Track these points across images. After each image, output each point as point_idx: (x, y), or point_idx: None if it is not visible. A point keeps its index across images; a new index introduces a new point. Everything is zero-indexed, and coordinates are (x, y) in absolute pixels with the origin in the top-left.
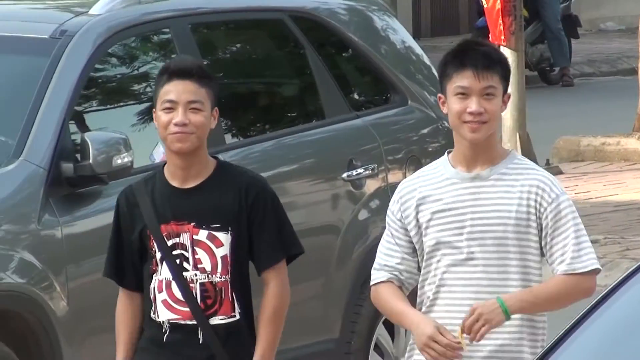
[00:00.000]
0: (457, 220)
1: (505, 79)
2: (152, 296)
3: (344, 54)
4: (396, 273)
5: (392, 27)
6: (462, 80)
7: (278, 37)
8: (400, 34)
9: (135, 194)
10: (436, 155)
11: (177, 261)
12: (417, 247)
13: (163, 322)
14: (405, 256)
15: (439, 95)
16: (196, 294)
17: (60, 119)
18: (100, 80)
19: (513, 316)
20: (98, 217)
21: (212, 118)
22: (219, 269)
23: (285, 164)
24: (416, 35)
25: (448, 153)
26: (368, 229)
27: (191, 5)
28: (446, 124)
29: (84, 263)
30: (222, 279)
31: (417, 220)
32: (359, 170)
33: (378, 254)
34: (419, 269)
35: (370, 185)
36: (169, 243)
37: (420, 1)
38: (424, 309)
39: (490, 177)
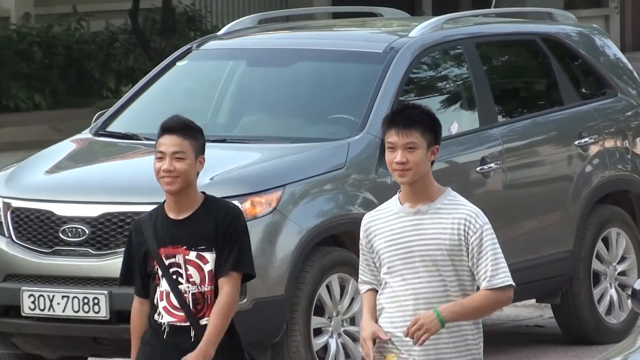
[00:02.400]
0: (405, 246)
1: (431, 134)
2: (156, 303)
3: (575, 62)
4: (373, 285)
5: (606, 44)
6: (390, 137)
7: (532, 52)
8: (612, 49)
9: (141, 225)
10: (636, 130)
11: (174, 277)
12: (377, 267)
13: (163, 323)
14: (374, 273)
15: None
16: (189, 302)
17: (390, 105)
18: (415, 80)
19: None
20: None
21: (198, 163)
22: (207, 281)
23: (537, 135)
24: (622, 50)
25: (399, 192)
26: (591, 178)
27: (476, 31)
28: None
29: None
30: (209, 289)
31: (374, 247)
32: (586, 139)
33: (360, 271)
34: None
35: (593, 149)
36: (167, 262)
37: (625, 26)
38: (382, 314)
39: (429, 211)
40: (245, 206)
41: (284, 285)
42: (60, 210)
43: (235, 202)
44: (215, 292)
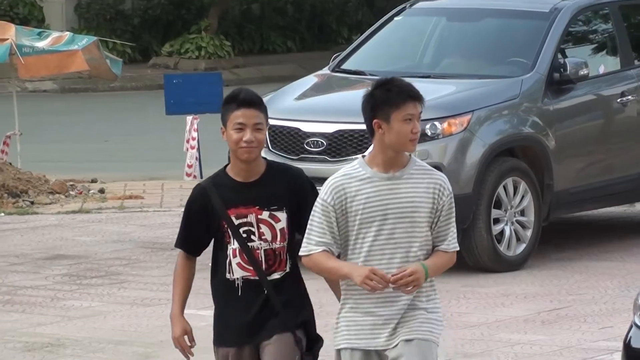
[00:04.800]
0: (380, 208)
1: None
2: (228, 260)
3: None
4: (329, 246)
5: None
6: (410, 109)
7: None
8: None
9: (207, 189)
10: None
11: (245, 235)
12: (341, 227)
13: (237, 278)
14: (334, 235)
15: (375, 121)
16: (261, 258)
17: (553, 52)
18: (572, 33)
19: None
20: (571, 100)
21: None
22: (278, 238)
23: None
24: None
25: (363, 157)
26: None
27: None
28: None
29: (563, 121)
30: (280, 245)
31: (347, 208)
32: None
33: (312, 233)
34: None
35: None
36: (237, 222)
37: None
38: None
39: (403, 176)
40: (443, 126)
41: (472, 185)
42: (305, 127)
43: (436, 123)
44: (287, 248)
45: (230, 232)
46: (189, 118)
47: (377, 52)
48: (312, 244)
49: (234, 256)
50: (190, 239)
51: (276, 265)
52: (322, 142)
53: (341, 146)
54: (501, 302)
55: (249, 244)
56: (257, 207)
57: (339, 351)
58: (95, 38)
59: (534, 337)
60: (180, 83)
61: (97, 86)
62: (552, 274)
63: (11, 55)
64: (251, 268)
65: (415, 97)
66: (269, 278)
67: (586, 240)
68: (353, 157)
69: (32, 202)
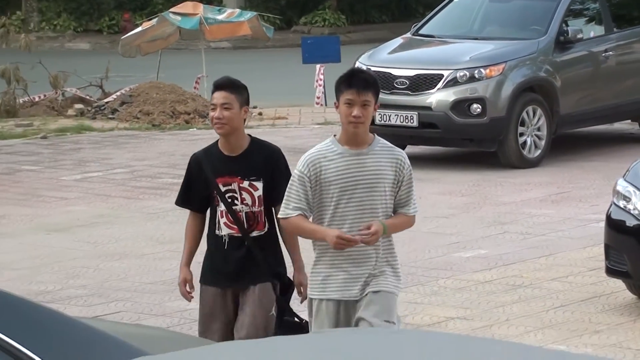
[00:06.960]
0: (351, 180)
1: (377, 95)
2: (217, 220)
3: None
4: (304, 211)
5: None
6: (350, 95)
7: None
8: None
9: (200, 159)
10: None
11: (229, 200)
12: (314, 196)
13: (224, 235)
14: (309, 201)
15: (335, 102)
16: (243, 219)
17: (560, 22)
18: (572, 9)
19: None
20: (571, 54)
21: (243, 112)
22: (257, 204)
23: (635, 37)
24: None
25: (334, 136)
26: None
27: None
28: None
29: (566, 68)
30: (258, 209)
31: (321, 179)
32: None
33: (290, 199)
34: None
35: None
36: (223, 189)
37: None
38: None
39: (369, 152)
40: (486, 72)
41: (505, 111)
42: (395, 72)
43: (482, 69)
44: (265, 212)
45: (218, 197)
46: (318, 66)
47: (443, 22)
48: (289, 209)
49: (221, 217)
50: (192, 198)
51: (255, 225)
52: (405, 82)
53: (418, 84)
54: (524, 188)
55: (233, 207)
56: (239, 177)
57: (311, 300)
58: (255, 13)
59: (546, 211)
60: (312, 43)
61: (256, 45)
62: (559, 170)
63: (200, 25)
64: (235, 227)
65: (359, 86)
66: (250, 235)
67: (581, 147)
68: (426, 92)
69: None
